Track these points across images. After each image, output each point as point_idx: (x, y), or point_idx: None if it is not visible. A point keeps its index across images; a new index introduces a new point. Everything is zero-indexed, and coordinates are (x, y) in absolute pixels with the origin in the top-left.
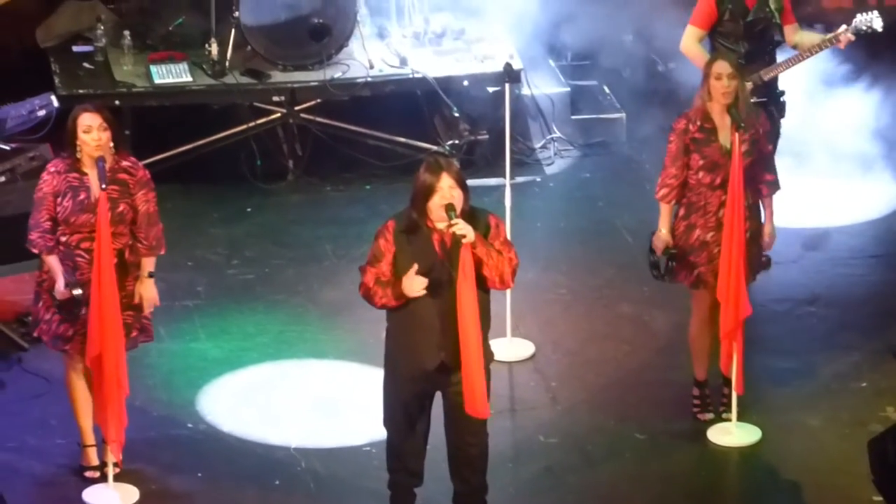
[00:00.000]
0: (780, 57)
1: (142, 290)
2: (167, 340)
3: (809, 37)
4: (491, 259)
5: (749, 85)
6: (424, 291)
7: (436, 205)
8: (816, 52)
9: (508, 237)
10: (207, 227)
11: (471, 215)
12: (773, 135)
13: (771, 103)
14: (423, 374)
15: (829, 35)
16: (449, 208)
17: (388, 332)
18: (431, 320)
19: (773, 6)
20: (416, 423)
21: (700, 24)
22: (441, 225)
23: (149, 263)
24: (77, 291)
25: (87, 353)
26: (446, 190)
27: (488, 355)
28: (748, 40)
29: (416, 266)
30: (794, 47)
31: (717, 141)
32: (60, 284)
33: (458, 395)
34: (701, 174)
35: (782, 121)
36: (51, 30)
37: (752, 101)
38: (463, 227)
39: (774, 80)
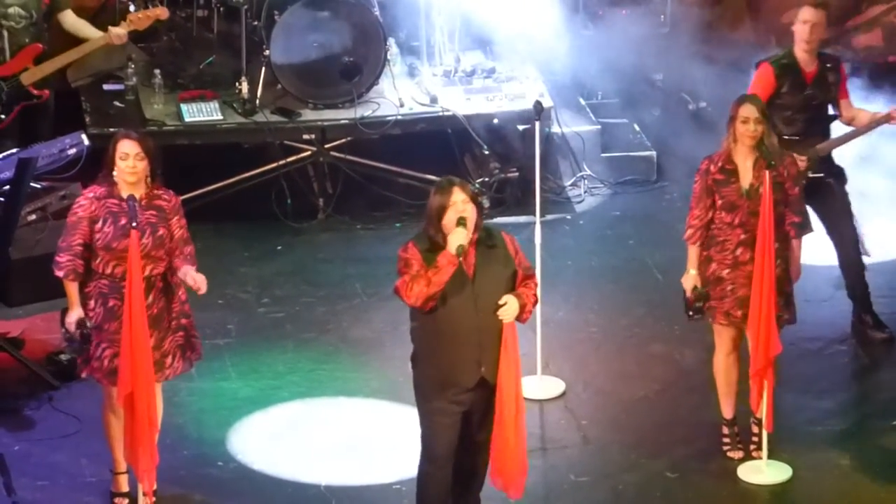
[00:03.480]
0: (833, 132)
1: (194, 277)
2: (198, 379)
3: (864, 113)
4: (527, 311)
5: (805, 161)
6: (467, 241)
7: (451, 221)
8: (873, 128)
9: (536, 271)
10: (238, 265)
11: (486, 234)
12: (845, 202)
13: (829, 176)
14: (460, 390)
15: (883, 113)
16: (460, 221)
17: (416, 357)
18: (467, 336)
19: (831, 79)
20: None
21: (757, 94)
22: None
23: (191, 269)
24: (87, 331)
25: (118, 391)
26: (459, 203)
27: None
28: (805, 113)
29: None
30: (849, 123)
31: (737, 182)
32: (72, 318)
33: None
34: (722, 213)
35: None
36: (82, 69)
37: (809, 175)
38: (507, 312)
39: (829, 154)
